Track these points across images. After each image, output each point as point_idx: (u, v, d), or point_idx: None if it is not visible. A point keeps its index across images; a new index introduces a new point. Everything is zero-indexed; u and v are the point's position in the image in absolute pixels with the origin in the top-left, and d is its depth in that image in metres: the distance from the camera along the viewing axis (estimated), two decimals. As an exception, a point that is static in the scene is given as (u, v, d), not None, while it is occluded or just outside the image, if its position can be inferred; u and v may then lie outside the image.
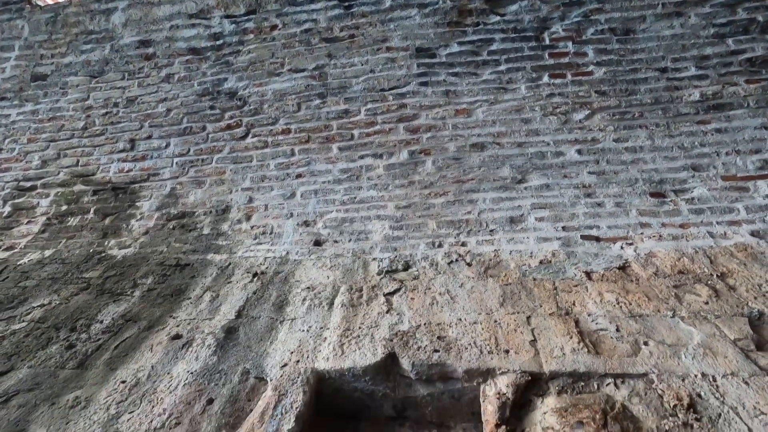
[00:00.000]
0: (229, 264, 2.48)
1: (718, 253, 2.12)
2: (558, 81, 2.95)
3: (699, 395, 1.35)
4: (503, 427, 1.34)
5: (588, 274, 2.05)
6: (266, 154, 3.06)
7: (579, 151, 2.70)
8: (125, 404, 1.52)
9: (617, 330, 1.66)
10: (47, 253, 2.82)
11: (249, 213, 2.84)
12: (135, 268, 2.53)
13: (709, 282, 1.91)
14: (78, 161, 3.34)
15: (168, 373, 1.65)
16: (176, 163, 3.18)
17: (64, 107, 3.58)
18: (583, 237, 2.34)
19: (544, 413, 1.38)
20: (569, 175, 2.62)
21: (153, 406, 1.49)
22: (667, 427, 1.25)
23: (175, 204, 3.00)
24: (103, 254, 2.74)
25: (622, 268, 2.09)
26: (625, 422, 1.29)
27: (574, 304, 1.84)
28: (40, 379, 1.69)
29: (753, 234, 2.21)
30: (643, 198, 2.47)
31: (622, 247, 2.25)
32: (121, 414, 1.47)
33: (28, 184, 3.32)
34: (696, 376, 1.42)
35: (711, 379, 1.40)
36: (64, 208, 3.15)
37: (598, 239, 2.31)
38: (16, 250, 2.88)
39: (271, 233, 2.69)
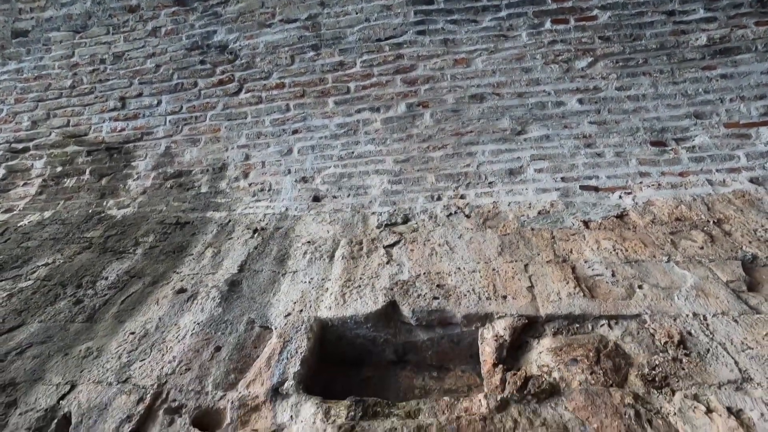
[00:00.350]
0: (229, 221, 2.49)
1: (715, 200, 2.13)
2: (561, 27, 2.84)
3: (689, 333, 1.40)
4: (500, 366, 1.40)
5: (586, 223, 2.07)
6: (261, 110, 2.99)
7: (580, 101, 2.64)
8: (136, 353, 1.57)
9: (613, 275, 1.69)
10: (46, 214, 2.82)
11: (246, 170, 2.82)
12: (135, 227, 2.54)
13: (705, 228, 1.93)
14: (69, 121, 3.27)
15: (175, 324, 1.69)
16: (169, 121, 3.11)
17: (49, 65, 3.46)
18: (582, 187, 2.33)
19: (540, 353, 1.43)
20: (570, 126, 2.58)
21: (163, 354, 1.55)
22: (657, 362, 1.30)
23: (170, 163, 2.97)
24: (103, 214, 2.74)
25: (620, 216, 2.11)
26: (617, 359, 1.35)
27: (571, 252, 1.87)
28: (52, 332, 1.74)
29: (752, 181, 2.20)
30: (643, 147, 2.44)
31: (620, 197, 2.25)
32: (133, 362, 1.53)
33: (20, 146, 3.26)
34: (687, 315, 1.47)
35: (702, 318, 1.45)
36: (59, 169, 3.12)
37: (596, 189, 2.31)
38: (15, 212, 2.88)
39: (269, 190, 2.68)
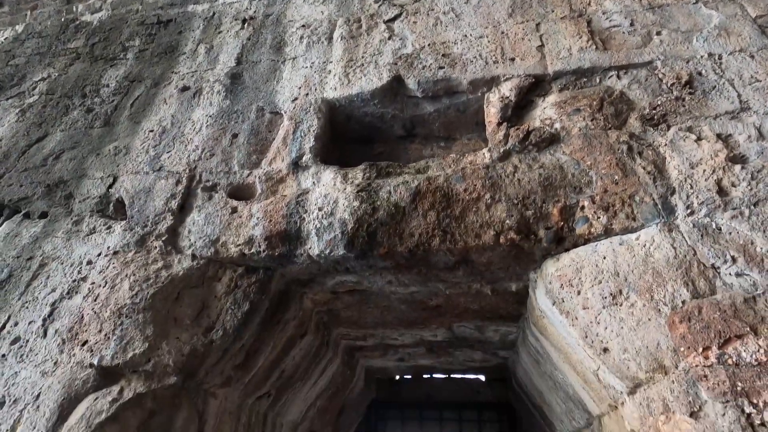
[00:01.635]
0: (213, 13, 2.27)
1: None
2: None
3: (699, 73, 1.38)
4: (504, 124, 1.46)
5: (611, -30, 1.82)
6: None
7: None
8: (161, 147, 1.67)
9: (631, 24, 1.58)
10: (19, 28, 2.60)
11: (217, -51, 2.40)
12: (117, 32, 2.36)
13: (750, -41, 1.68)
14: None
15: (189, 119, 1.75)
16: None
17: None
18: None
19: (544, 108, 1.46)
20: None
21: (186, 145, 1.65)
22: (658, 103, 1.33)
23: (128, -51, 2.54)
24: (77, 22, 2.51)
25: (653, -44, 1.82)
26: (620, 105, 1.38)
27: (589, 5, 1.70)
28: (77, 139, 1.83)
29: None
30: None
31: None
32: (161, 154, 1.65)
33: (-49, -54, 2.77)
34: (702, 56, 1.42)
35: (716, 58, 1.40)
36: (8, -27, 2.72)
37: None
38: (-15, 30, 2.67)
39: (249, -29, 2.34)
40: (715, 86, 1.33)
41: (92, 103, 1.98)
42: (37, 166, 1.75)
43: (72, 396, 1.10)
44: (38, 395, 1.11)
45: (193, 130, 1.69)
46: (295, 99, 1.69)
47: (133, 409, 1.10)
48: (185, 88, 1.88)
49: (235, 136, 1.63)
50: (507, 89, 1.52)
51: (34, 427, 1.05)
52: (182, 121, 1.74)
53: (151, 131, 1.74)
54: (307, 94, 1.69)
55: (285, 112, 1.66)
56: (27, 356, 1.19)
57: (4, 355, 1.21)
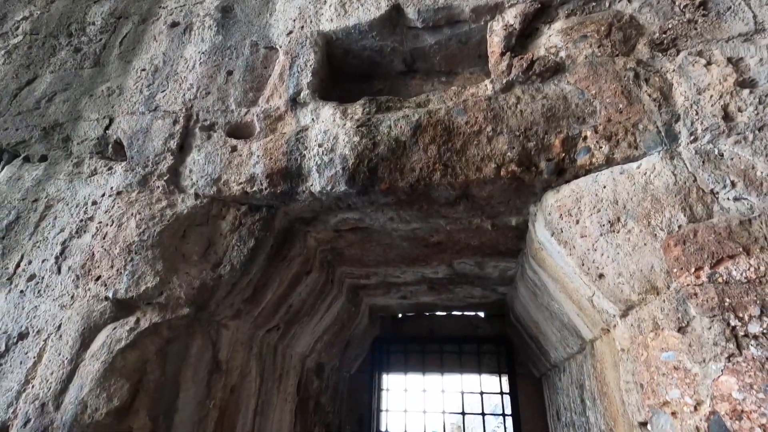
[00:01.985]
0: (199, -59, 2.11)
1: None
2: None
3: (715, -7, 1.30)
4: (507, 54, 1.40)
5: None
6: None
7: None
8: (154, 86, 1.63)
9: (646, -60, 1.47)
10: (-8, -37, 2.44)
11: None
12: (97, -36, 2.22)
13: None
14: None
15: (181, 57, 1.69)
16: None
17: None
18: None
19: (550, 36, 1.40)
20: None
21: (180, 84, 1.61)
22: (669, 26, 1.27)
23: None
24: (54, -46, 2.35)
25: None
26: (629, 30, 1.32)
27: None
28: (68, 80, 1.78)
29: None
30: None
31: None
32: (155, 94, 1.61)
33: None
34: (719, -25, 1.33)
35: (735, -24, 1.32)
36: None
37: None
38: (-43, -34, 2.51)
39: None
40: (731, 7, 1.26)
41: (79, 42, 1.91)
42: (31, 110, 1.72)
43: (91, 326, 1.16)
44: (59, 326, 1.17)
45: (186, 68, 1.64)
46: (290, 32, 1.62)
47: (151, 336, 1.16)
48: (175, 24, 1.80)
49: (230, 73, 1.59)
50: (511, 16, 1.45)
51: (59, 354, 1.12)
52: (174, 58, 1.69)
53: (143, 70, 1.69)
54: (303, 27, 1.62)
55: (280, 47, 1.60)
56: (44, 291, 1.24)
57: (22, 291, 1.26)
